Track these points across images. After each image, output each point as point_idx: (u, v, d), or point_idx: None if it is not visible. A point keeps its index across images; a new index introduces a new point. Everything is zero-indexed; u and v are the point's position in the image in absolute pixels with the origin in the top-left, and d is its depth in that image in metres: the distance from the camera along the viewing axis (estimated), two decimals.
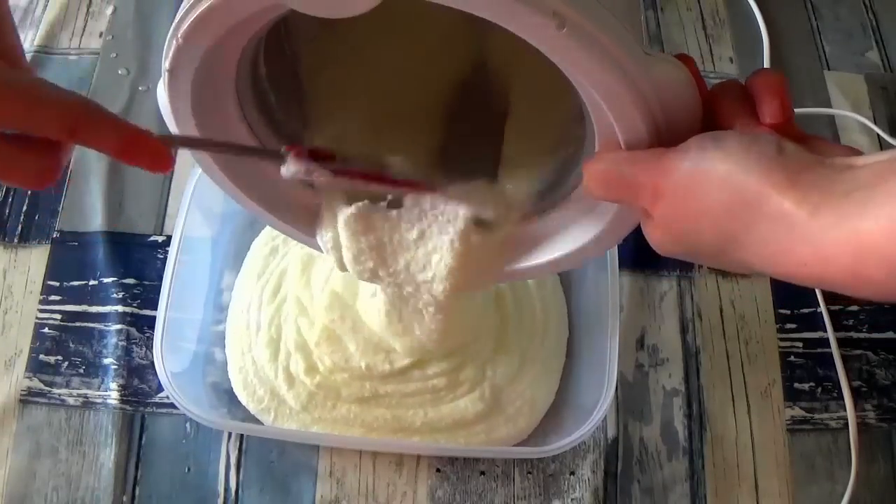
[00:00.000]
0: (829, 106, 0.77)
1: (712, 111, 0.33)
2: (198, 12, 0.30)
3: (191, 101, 0.36)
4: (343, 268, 0.45)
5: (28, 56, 0.73)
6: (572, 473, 0.59)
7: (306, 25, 0.42)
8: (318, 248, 0.46)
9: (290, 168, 0.37)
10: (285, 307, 0.62)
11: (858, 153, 0.29)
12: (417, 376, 0.59)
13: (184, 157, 0.68)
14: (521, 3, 0.27)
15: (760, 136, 0.30)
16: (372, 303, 0.57)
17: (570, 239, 0.41)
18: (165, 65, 0.34)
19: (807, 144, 0.30)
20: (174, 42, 0.32)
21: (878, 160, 0.28)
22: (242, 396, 0.59)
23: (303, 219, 0.45)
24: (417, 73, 0.45)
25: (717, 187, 0.29)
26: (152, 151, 0.32)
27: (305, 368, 0.59)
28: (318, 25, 0.39)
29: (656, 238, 0.34)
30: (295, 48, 0.43)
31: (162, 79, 0.35)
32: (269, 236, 0.66)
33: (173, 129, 0.38)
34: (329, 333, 0.59)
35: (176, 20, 0.31)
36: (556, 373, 0.62)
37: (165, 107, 0.37)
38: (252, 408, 0.59)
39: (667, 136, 0.32)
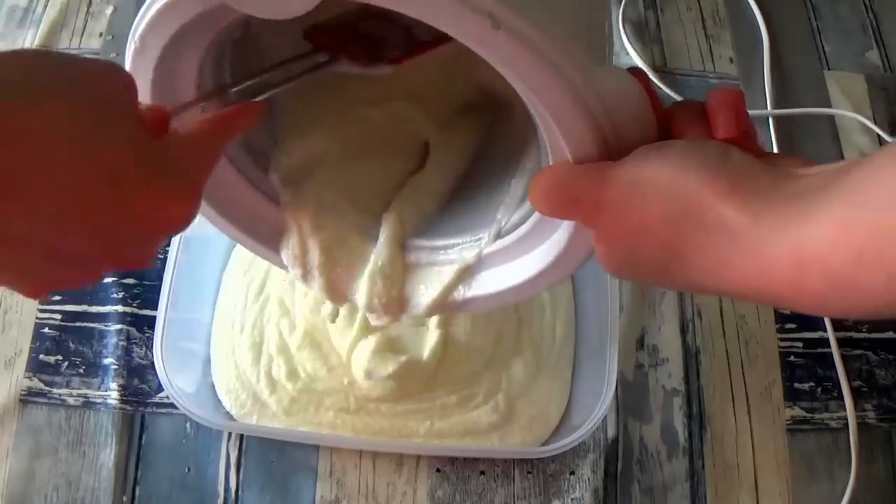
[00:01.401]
0: (829, 106, 0.77)
1: (668, 129, 0.32)
2: (149, 15, 0.32)
3: (150, 98, 0.36)
4: (307, 282, 0.44)
5: None
6: (572, 473, 0.59)
7: (277, 46, 0.41)
8: (283, 266, 0.45)
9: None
10: (268, 308, 0.61)
11: (814, 164, 0.28)
12: (423, 397, 0.58)
13: None
14: (457, 2, 0.27)
15: (706, 144, 0.29)
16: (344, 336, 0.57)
17: (528, 264, 0.40)
18: (126, 67, 0.34)
19: (762, 158, 0.29)
20: (132, 46, 0.33)
21: (826, 168, 0.26)
22: (225, 400, 0.59)
23: (268, 236, 0.45)
24: (398, 104, 0.45)
25: (658, 196, 0.28)
26: (244, 125, 0.35)
27: (287, 373, 0.58)
28: (291, 49, 0.38)
29: (601, 255, 0.32)
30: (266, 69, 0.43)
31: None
32: None
33: None
34: (311, 339, 0.59)
35: (133, 26, 0.33)
36: (568, 376, 0.61)
37: None
38: (234, 412, 0.58)
39: (617, 151, 0.31)
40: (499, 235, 0.41)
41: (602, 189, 0.30)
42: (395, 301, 0.43)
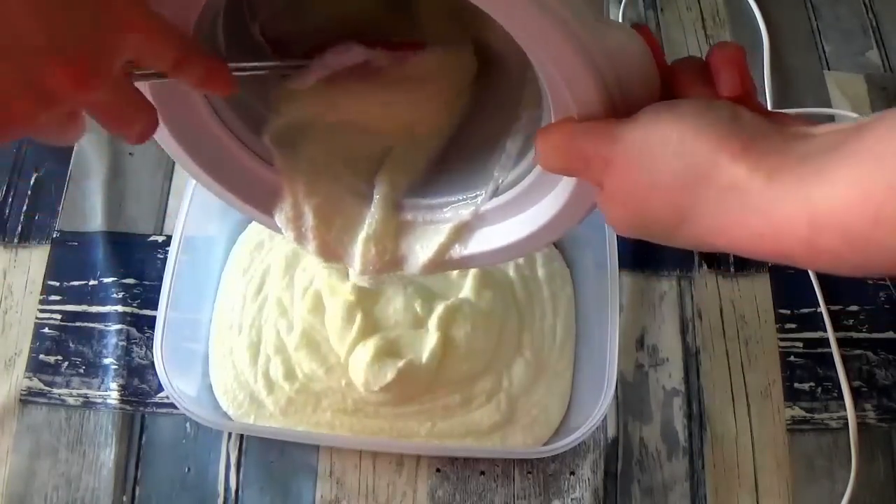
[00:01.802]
0: (829, 106, 0.77)
1: (671, 86, 0.32)
2: None
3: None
4: (301, 245, 0.44)
5: None
6: (572, 473, 0.59)
7: (273, 9, 0.41)
8: (277, 229, 0.45)
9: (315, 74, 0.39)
10: (266, 308, 0.61)
11: (816, 124, 0.28)
12: (424, 398, 0.58)
13: None
14: None
15: (715, 103, 0.29)
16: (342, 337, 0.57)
17: (526, 221, 0.40)
18: None
19: (767, 118, 0.29)
20: None
21: (837, 128, 0.27)
22: (223, 400, 0.59)
23: (262, 198, 0.44)
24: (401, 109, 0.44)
25: (669, 155, 0.28)
26: (225, 80, 0.34)
27: (284, 373, 0.58)
28: (287, 19, 0.38)
29: (608, 213, 0.32)
30: (260, 31, 0.42)
31: None
32: (256, 230, 0.65)
33: None
34: (309, 339, 0.59)
35: None
36: (568, 376, 0.61)
37: None
38: (232, 412, 0.58)
39: (623, 108, 0.31)
40: (496, 193, 0.41)
41: (612, 146, 0.30)
42: (388, 265, 0.43)
